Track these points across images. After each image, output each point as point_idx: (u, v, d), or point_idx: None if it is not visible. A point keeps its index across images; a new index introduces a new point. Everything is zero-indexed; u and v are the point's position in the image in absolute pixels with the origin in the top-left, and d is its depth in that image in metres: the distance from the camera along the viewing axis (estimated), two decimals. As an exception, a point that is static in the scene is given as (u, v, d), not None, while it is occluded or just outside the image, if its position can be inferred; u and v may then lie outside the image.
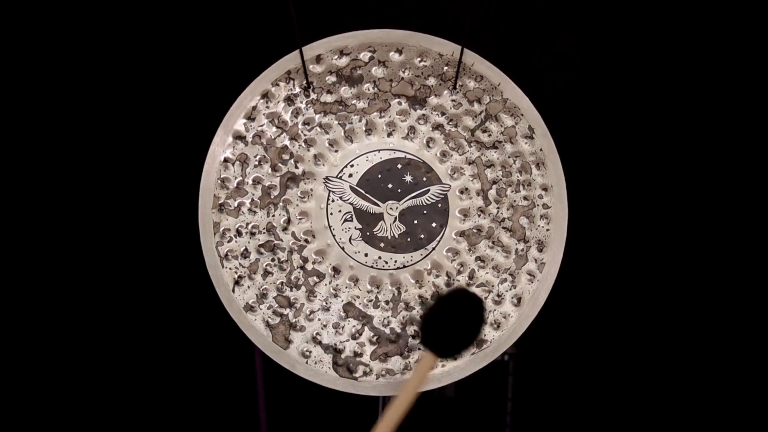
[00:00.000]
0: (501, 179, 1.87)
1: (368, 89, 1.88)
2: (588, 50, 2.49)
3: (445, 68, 1.88)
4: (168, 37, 2.47)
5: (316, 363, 1.85)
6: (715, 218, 2.50)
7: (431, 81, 1.88)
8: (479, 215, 1.86)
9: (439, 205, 1.86)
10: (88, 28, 2.46)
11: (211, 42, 2.48)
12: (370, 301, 1.85)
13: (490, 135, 1.87)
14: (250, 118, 1.88)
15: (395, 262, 1.86)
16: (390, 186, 1.87)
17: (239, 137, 1.88)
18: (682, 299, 2.52)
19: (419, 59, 1.88)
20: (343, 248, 1.86)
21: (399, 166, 1.87)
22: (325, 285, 1.85)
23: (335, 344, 1.84)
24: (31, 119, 2.47)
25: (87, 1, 2.45)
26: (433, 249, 1.86)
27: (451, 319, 1.67)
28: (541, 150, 1.88)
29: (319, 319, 1.85)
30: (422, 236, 1.86)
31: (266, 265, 1.86)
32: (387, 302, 1.84)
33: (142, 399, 2.55)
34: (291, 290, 1.85)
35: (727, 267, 2.51)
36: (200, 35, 2.48)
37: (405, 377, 1.84)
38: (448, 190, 1.86)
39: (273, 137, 1.88)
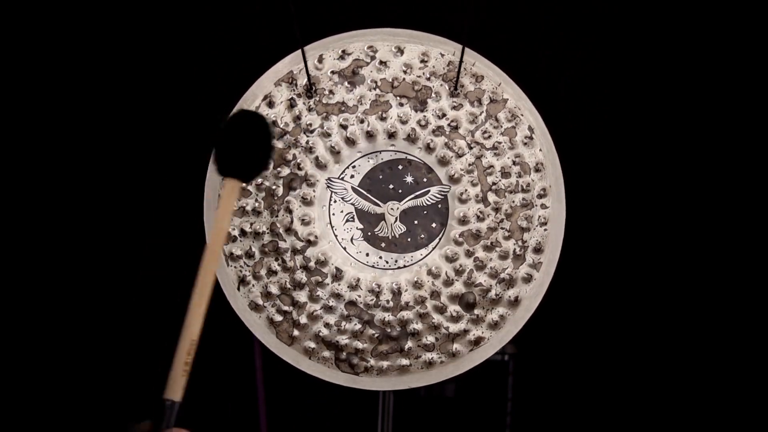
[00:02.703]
0: (500, 180, 1.87)
1: (370, 90, 1.89)
2: (588, 50, 2.50)
3: (447, 68, 1.89)
4: (169, 38, 2.48)
5: (318, 360, 1.86)
6: (714, 217, 2.51)
7: (432, 82, 1.89)
8: (478, 216, 1.87)
9: (439, 205, 1.87)
10: (89, 29, 2.47)
11: (212, 43, 2.49)
12: (371, 300, 1.86)
13: (490, 136, 1.88)
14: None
15: (396, 261, 1.87)
16: (391, 187, 1.88)
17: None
18: (681, 299, 2.53)
19: (420, 60, 1.89)
20: (344, 248, 1.87)
21: (400, 167, 1.88)
22: (328, 284, 1.86)
23: (337, 342, 1.85)
24: (33, 122, 2.48)
25: (87, 2, 2.46)
26: (433, 249, 1.87)
27: (239, 142, 1.65)
28: (540, 151, 1.88)
29: (321, 318, 1.86)
30: (422, 236, 1.87)
31: (270, 265, 1.87)
32: (387, 301, 1.86)
33: (145, 397, 2.56)
34: (294, 289, 1.86)
35: (725, 265, 2.51)
36: (201, 36, 2.48)
37: None
38: (448, 191, 1.87)
39: (276, 139, 1.89)
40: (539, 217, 1.88)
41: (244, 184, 1.77)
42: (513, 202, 1.87)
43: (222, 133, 1.66)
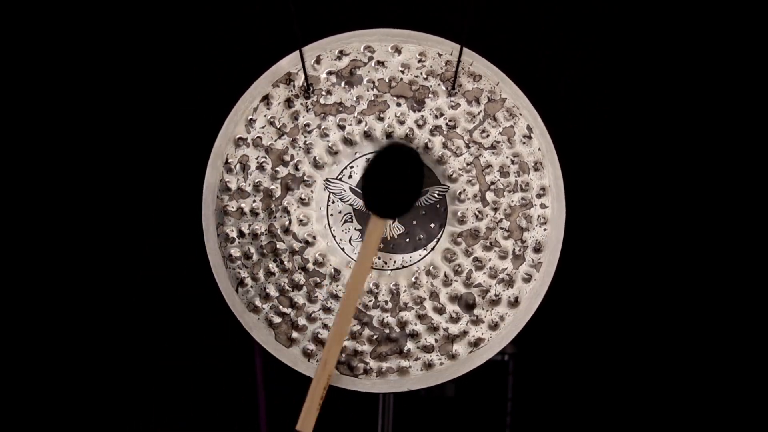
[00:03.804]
0: (499, 180, 1.87)
1: (367, 90, 1.89)
2: (588, 50, 2.50)
3: (444, 68, 1.89)
4: (168, 38, 2.48)
5: (317, 361, 1.86)
6: (714, 216, 2.51)
7: (430, 81, 1.89)
8: (477, 216, 1.87)
9: (438, 206, 1.87)
10: (89, 29, 2.47)
11: (211, 43, 2.49)
12: (370, 301, 1.85)
13: (488, 135, 1.88)
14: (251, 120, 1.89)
15: (394, 262, 1.87)
16: (389, 186, 1.87)
17: (240, 139, 1.89)
18: (681, 298, 2.53)
19: (418, 59, 1.89)
20: (343, 249, 1.87)
21: (398, 167, 1.88)
22: (326, 285, 1.86)
23: (336, 343, 1.85)
24: (32, 122, 2.48)
25: (87, 2, 2.46)
26: (432, 249, 1.87)
27: (390, 178, 1.70)
28: (539, 150, 1.88)
29: (320, 319, 1.86)
30: (421, 237, 1.87)
31: (268, 266, 1.87)
32: (386, 302, 1.85)
33: (145, 397, 2.56)
34: (293, 291, 1.86)
35: (725, 264, 2.51)
36: (200, 36, 2.48)
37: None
38: (446, 191, 1.87)
39: (273, 140, 1.88)
40: (538, 216, 1.87)
41: (390, 221, 1.82)
42: (512, 201, 1.87)
43: (371, 166, 1.71)
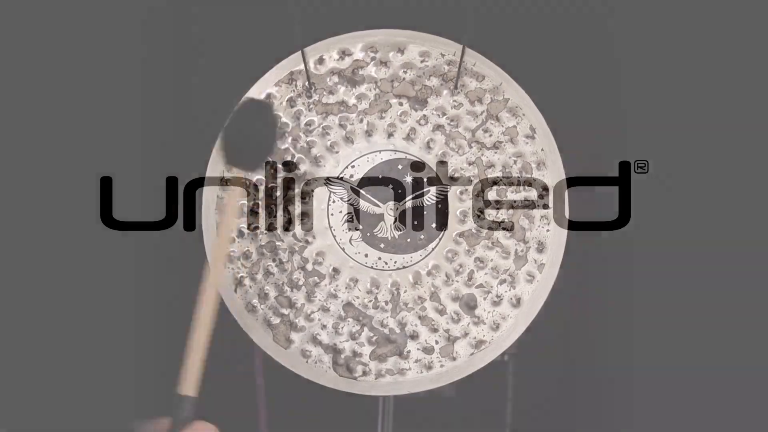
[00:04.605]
0: (501, 180, 1.87)
1: (369, 90, 1.89)
2: (590, 49, 2.50)
3: (447, 68, 1.89)
4: (169, 37, 2.48)
5: (316, 363, 1.86)
6: (713, 215, 2.51)
7: (432, 81, 1.89)
8: (479, 216, 1.87)
9: (439, 206, 1.87)
10: (89, 28, 2.47)
11: (212, 43, 2.49)
12: (370, 301, 1.86)
13: (490, 135, 1.88)
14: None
15: (395, 262, 1.87)
16: (390, 187, 1.87)
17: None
18: (681, 299, 2.53)
19: (421, 59, 1.89)
20: (343, 249, 1.87)
21: (399, 167, 1.88)
22: (325, 285, 1.86)
23: (335, 344, 1.85)
24: (33, 122, 2.48)
25: (86, 1, 2.46)
26: (433, 249, 1.87)
27: (245, 132, 1.68)
28: (542, 150, 1.88)
29: (318, 320, 1.86)
30: (422, 237, 1.87)
31: (267, 266, 1.87)
32: (386, 303, 1.85)
33: (145, 397, 2.56)
34: (291, 291, 1.86)
35: (726, 263, 2.51)
36: (201, 36, 2.48)
37: None
38: (448, 191, 1.87)
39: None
40: (541, 216, 1.87)
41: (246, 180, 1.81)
42: (514, 201, 1.87)
43: (229, 123, 1.68)
